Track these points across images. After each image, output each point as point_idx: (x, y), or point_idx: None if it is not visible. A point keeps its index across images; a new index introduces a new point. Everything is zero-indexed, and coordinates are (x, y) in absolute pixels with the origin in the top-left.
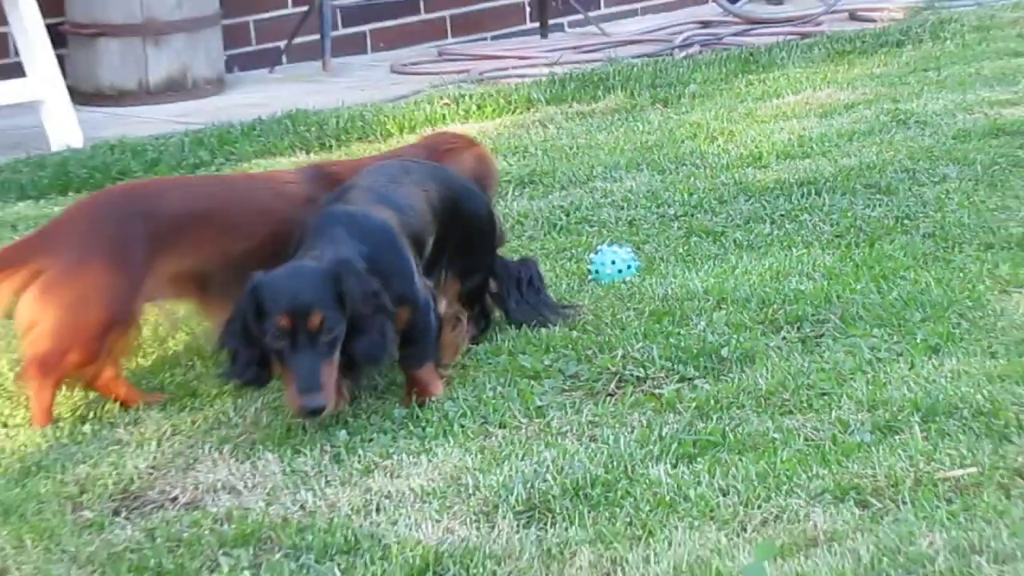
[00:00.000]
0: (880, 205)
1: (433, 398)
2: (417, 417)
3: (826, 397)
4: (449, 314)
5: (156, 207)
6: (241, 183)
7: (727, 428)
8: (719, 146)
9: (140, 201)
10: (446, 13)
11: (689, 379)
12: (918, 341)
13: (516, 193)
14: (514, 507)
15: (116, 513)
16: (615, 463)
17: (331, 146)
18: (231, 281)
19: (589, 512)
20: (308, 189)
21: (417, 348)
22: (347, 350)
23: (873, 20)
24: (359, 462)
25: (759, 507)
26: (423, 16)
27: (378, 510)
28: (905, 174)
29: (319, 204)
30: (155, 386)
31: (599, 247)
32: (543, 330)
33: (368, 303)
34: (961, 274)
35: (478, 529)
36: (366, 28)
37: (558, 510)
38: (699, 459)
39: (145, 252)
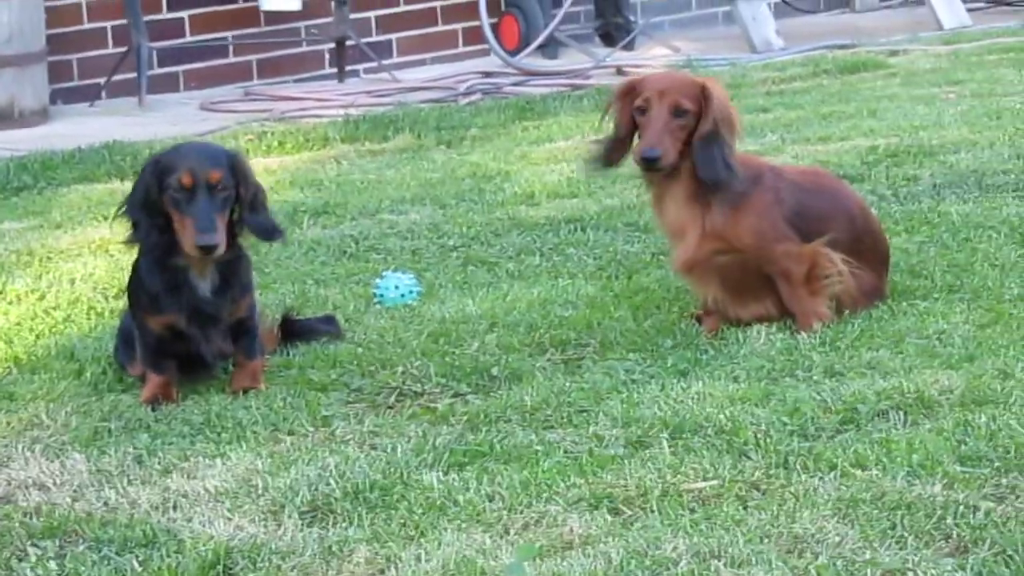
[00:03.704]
0: (638, 241)
1: (257, 389)
2: (213, 423)
3: (585, 414)
4: None
5: None
6: None
7: (495, 440)
8: (496, 185)
9: None
10: (252, 57)
11: (462, 395)
12: (669, 365)
13: (310, 222)
14: (299, 507)
15: None
16: (392, 469)
17: None
18: None
19: (367, 513)
20: None
21: (253, 340)
22: (243, 222)
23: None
24: (159, 463)
25: (521, 512)
26: (231, 59)
27: (175, 508)
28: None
29: None
30: None
31: (384, 273)
32: (331, 347)
33: (258, 190)
34: None
35: (266, 527)
36: (179, 69)
37: (339, 511)
38: (468, 467)
39: None
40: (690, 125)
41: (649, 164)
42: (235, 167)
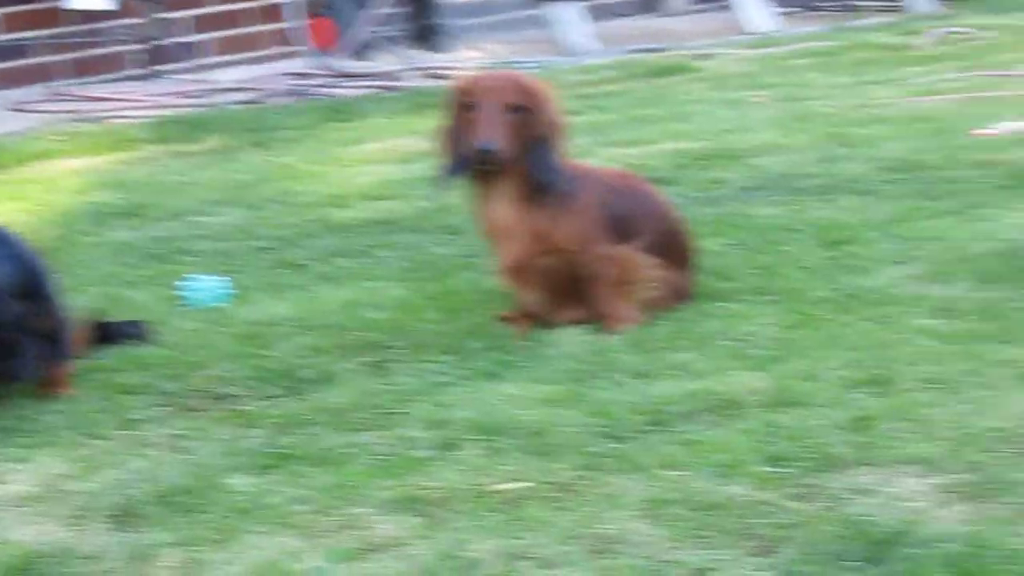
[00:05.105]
0: (450, 244)
1: (65, 393)
2: (19, 428)
3: (394, 416)
4: None
5: None
6: None
7: (304, 442)
8: (307, 186)
9: None
10: (61, 57)
11: (272, 397)
12: (479, 367)
13: (118, 224)
14: (107, 512)
15: None
16: (201, 473)
17: None
18: None
19: (176, 517)
20: None
21: (62, 346)
22: None
23: (448, 78)
24: None
25: (330, 515)
26: (41, 59)
27: None
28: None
29: None
30: None
31: (192, 275)
32: (140, 350)
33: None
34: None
35: (73, 532)
36: None
37: (147, 515)
38: (278, 470)
39: None
40: (519, 123)
41: (486, 156)
42: None
